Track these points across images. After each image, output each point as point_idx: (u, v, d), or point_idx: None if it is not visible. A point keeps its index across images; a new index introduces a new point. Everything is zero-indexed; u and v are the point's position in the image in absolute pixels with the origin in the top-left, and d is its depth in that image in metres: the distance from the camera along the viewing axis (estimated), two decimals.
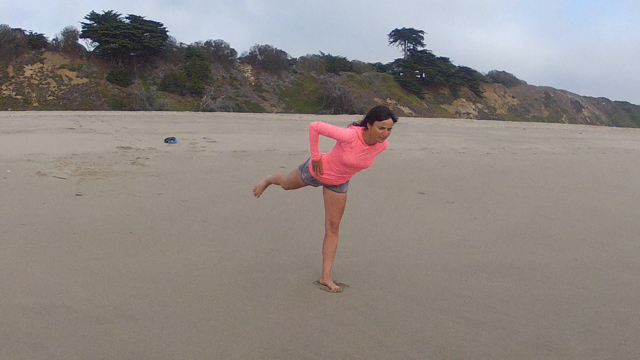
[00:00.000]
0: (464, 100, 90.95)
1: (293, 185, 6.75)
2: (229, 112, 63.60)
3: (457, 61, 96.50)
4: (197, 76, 69.75)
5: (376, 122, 5.79)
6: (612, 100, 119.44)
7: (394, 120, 5.86)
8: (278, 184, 6.99)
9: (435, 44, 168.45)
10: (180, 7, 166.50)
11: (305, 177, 6.39)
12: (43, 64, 64.35)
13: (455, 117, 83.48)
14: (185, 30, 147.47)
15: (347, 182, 6.42)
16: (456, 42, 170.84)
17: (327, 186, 6.36)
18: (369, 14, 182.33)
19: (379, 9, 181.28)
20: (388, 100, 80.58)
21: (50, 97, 60.82)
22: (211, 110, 62.96)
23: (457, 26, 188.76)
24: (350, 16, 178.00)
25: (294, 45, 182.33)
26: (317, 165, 6.16)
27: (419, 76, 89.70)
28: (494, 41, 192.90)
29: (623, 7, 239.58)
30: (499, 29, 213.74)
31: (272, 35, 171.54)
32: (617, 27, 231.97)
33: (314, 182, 6.41)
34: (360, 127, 5.96)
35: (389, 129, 5.83)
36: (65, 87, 62.68)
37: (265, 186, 7.15)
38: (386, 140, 6.06)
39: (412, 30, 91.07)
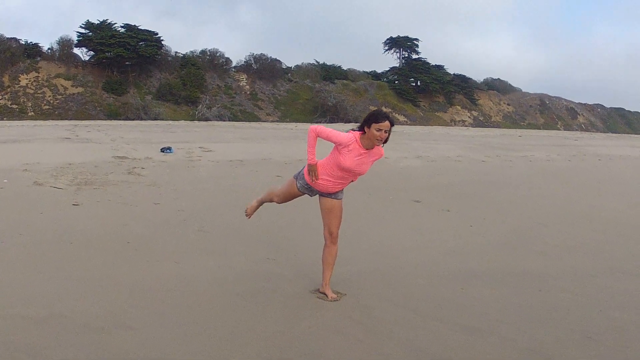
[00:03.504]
0: (459, 107, 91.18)
1: (288, 196, 6.70)
2: (224, 121, 63.66)
3: (452, 69, 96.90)
4: (193, 85, 69.89)
5: (373, 125, 5.90)
6: (608, 106, 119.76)
7: (392, 124, 5.98)
8: (272, 201, 6.96)
9: (430, 52, 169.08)
10: (176, 19, 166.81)
11: (301, 184, 6.39)
12: (38, 73, 64.42)
13: (451, 125, 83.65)
14: (181, 41, 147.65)
15: (343, 189, 6.44)
16: (451, 50, 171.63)
17: (322, 194, 6.38)
18: (363, 23, 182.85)
19: (373, 17, 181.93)
20: (383, 108, 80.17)
21: (46, 107, 60.87)
22: (206, 119, 63.06)
23: (451, 35, 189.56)
24: (344, 25, 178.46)
25: (288, 53, 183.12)
26: (312, 169, 6.17)
27: (414, 84, 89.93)
28: (487, 49, 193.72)
29: (611, 16, 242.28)
30: (492, 37, 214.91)
31: (267, 45, 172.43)
32: (607, 36, 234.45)
33: (310, 190, 6.41)
34: (359, 132, 6.06)
35: (386, 132, 5.93)
36: (60, 96, 62.76)
37: (257, 206, 7.15)
38: (382, 148, 6.19)
39: (407, 38, 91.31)
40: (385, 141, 6.05)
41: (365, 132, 5.99)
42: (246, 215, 7.19)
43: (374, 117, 5.96)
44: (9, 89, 61.22)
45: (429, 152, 27.91)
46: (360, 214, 10.83)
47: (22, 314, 5.40)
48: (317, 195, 6.46)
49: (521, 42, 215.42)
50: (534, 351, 5.09)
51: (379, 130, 5.89)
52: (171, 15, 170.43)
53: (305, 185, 6.36)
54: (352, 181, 6.42)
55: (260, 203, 7.10)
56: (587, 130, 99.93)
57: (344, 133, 6.11)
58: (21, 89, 61.91)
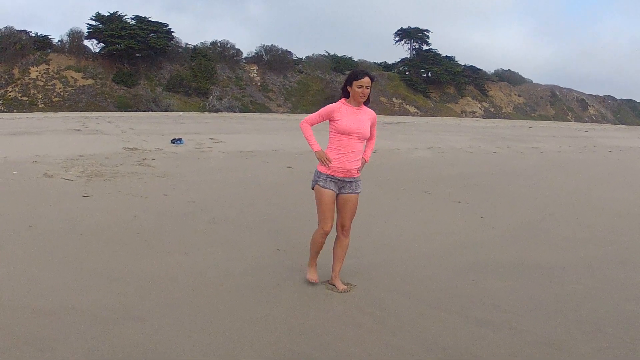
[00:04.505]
0: (469, 99, 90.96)
1: (325, 207, 6.27)
2: (235, 112, 63.71)
3: (462, 60, 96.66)
4: (203, 77, 69.91)
5: (354, 83, 6.13)
6: (618, 98, 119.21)
7: (371, 79, 6.18)
8: (323, 236, 6.36)
9: (440, 43, 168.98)
10: (185, 12, 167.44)
11: (323, 181, 6.22)
12: (49, 65, 64.54)
13: (461, 116, 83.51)
14: (190, 34, 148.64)
15: (360, 182, 6.40)
16: (461, 41, 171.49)
17: (343, 185, 6.28)
18: (373, 14, 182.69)
19: (383, 8, 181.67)
20: (394, 100, 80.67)
21: (56, 99, 61.00)
22: (217, 110, 63.12)
23: (462, 26, 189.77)
24: (355, 16, 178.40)
25: (299, 45, 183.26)
26: (321, 155, 6.22)
27: (424, 75, 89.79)
28: (498, 40, 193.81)
29: (617, 9, 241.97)
30: (503, 28, 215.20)
31: (277, 37, 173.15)
32: (613, 28, 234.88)
33: (334, 183, 6.24)
34: (344, 98, 6.30)
35: (367, 87, 6.13)
36: (71, 88, 62.88)
37: (314, 265, 6.53)
38: (373, 112, 6.43)
39: (417, 30, 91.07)
40: (368, 99, 6.27)
41: (349, 95, 6.23)
42: (313, 282, 6.42)
43: (354, 75, 6.19)
44: (19, 81, 61.39)
45: (439, 143, 27.85)
46: (371, 206, 10.80)
47: (30, 305, 5.41)
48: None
49: (532, 33, 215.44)
50: (545, 343, 5.06)
51: (360, 86, 6.11)
52: (180, 9, 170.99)
53: (328, 178, 6.23)
54: (365, 161, 6.45)
55: (314, 259, 6.53)
56: (598, 122, 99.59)
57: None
58: (31, 81, 62.06)
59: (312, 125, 6.39)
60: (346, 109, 6.18)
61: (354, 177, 6.30)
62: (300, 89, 77.02)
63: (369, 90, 6.15)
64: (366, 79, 6.10)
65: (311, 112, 6.53)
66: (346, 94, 6.26)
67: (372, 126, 6.39)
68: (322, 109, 6.35)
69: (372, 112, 6.43)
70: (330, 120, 6.25)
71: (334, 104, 6.29)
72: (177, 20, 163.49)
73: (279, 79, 77.35)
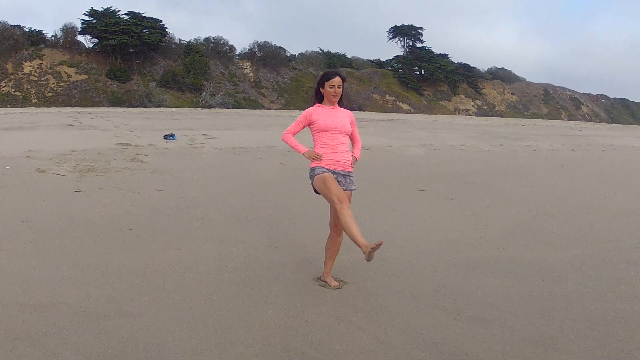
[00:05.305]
0: (463, 96, 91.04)
1: (336, 187, 6.07)
2: (228, 108, 63.64)
3: (456, 58, 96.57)
4: (196, 72, 69.82)
5: (326, 84, 6.29)
6: (611, 97, 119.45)
7: (342, 79, 6.35)
8: (346, 207, 5.99)
9: (434, 41, 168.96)
10: (180, 8, 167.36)
11: (320, 169, 6.21)
12: (42, 60, 64.36)
13: (454, 114, 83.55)
14: (186, 30, 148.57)
15: (353, 178, 6.42)
16: (455, 39, 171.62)
17: (336, 175, 6.25)
18: (368, 11, 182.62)
19: (378, 6, 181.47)
20: (387, 97, 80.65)
21: (49, 94, 60.83)
22: (210, 106, 63.01)
23: (456, 23, 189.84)
24: (349, 13, 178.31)
25: (293, 42, 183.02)
26: (310, 154, 6.29)
27: (418, 73, 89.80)
28: (492, 38, 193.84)
29: (615, 7, 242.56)
30: (497, 26, 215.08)
31: (272, 33, 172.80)
32: (610, 26, 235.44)
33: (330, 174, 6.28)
34: (317, 103, 6.45)
35: (338, 87, 6.28)
36: (64, 83, 62.70)
37: (358, 235, 5.84)
38: (350, 111, 6.57)
39: (411, 27, 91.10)
40: (341, 98, 6.40)
41: (323, 98, 6.37)
42: (375, 246, 5.63)
43: (325, 76, 6.35)
44: (12, 76, 61.20)
45: (432, 140, 27.85)
46: (364, 202, 10.78)
47: (23, 301, 5.39)
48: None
49: (526, 32, 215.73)
50: (537, 341, 5.06)
51: (332, 86, 6.25)
52: (176, 5, 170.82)
53: (323, 170, 6.24)
54: (356, 159, 6.51)
55: (352, 234, 5.88)
56: (591, 121, 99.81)
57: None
58: (25, 76, 61.88)
59: (294, 134, 6.46)
60: (322, 110, 6.34)
61: (347, 171, 6.31)
62: (293, 86, 76.99)
63: (341, 89, 6.29)
64: (337, 79, 6.26)
65: (304, 109, 6.56)
66: (319, 98, 6.40)
67: (351, 124, 6.47)
68: (299, 116, 6.48)
69: (349, 111, 6.56)
70: (309, 124, 6.39)
71: (309, 108, 6.44)
72: (173, 17, 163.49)
73: (272, 76, 77.30)
